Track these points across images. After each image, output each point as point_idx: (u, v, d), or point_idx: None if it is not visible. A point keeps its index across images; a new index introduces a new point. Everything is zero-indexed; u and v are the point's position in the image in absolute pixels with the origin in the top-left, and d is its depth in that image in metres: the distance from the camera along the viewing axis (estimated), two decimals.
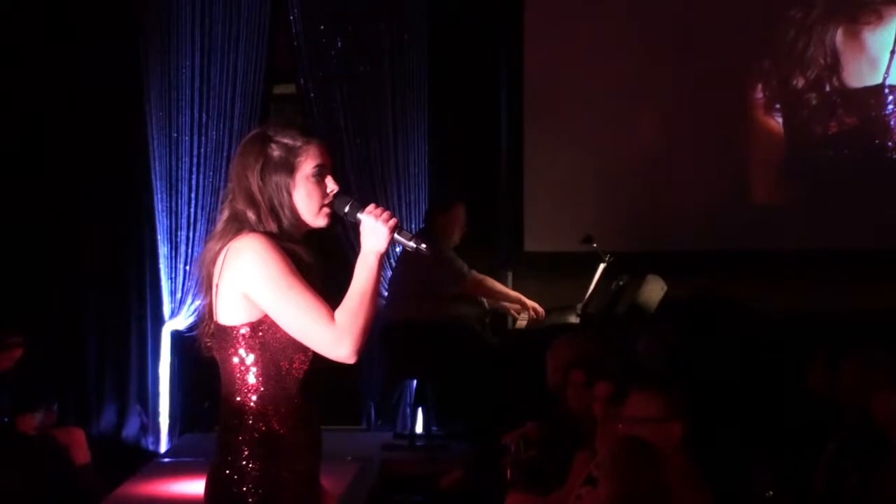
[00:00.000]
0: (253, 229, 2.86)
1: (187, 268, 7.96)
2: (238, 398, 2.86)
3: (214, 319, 2.89)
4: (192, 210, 7.98)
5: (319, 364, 2.89)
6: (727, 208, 8.18)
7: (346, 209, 2.91)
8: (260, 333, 2.84)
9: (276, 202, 2.88)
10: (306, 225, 2.92)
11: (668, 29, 8.23)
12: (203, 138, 7.98)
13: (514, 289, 7.54)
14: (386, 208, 2.89)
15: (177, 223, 7.99)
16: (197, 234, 7.96)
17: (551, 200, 8.21)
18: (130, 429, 8.09)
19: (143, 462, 7.46)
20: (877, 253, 8.01)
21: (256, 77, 8.00)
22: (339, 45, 8.01)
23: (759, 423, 4.95)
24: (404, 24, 8.03)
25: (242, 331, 2.84)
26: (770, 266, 7.78)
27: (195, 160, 7.98)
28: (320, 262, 2.92)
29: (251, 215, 2.87)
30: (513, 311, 7.41)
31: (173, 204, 7.99)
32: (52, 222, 7.98)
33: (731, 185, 8.31)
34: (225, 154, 7.95)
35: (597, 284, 7.15)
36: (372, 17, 8.01)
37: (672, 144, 8.27)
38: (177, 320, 7.98)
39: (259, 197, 2.87)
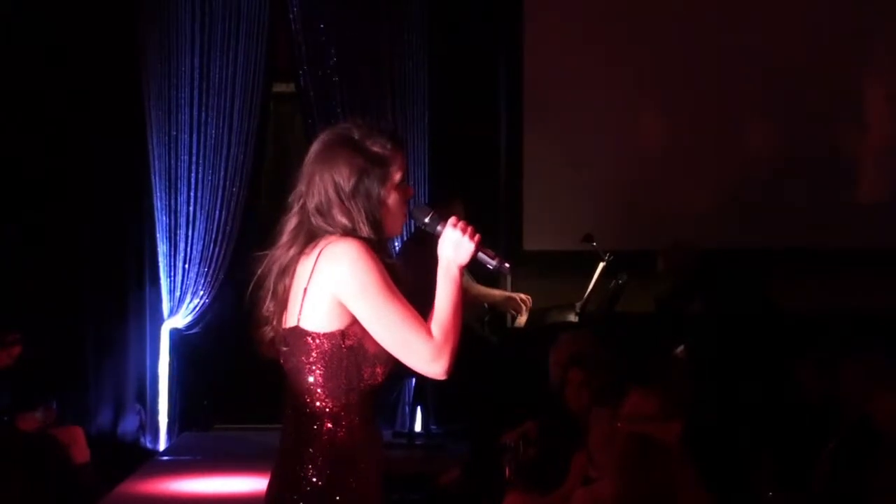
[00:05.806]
0: (344, 234, 2.75)
1: (186, 266, 7.95)
2: (318, 404, 2.75)
3: (287, 325, 2.77)
4: (191, 208, 7.97)
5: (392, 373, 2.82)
6: (726, 207, 8.18)
7: (427, 220, 2.82)
8: (348, 341, 2.73)
9: (367, 211, 2.75)
10: (387, 233, 2.83)
11: (667, 29, 8.23)
12: (202, 136, 7.98)
13: (514, 288, 7.52)
14: (468, 222, 2.78)
15: (176, 221, 7.99)
16: (196, 232, 7.96)
17: (550, 199, 8.21)
18: (129, 427, 8.09)
19: (142, 460, 7.45)
20: (877, 252, 8.02)
21: (256, 75, 8.00)
22: (339, 43, 8.00)
23: (759, 423, 4.96)
24: (404, 24, 8.03)
25: (329, 337, 2.73)
26: (768, 265, 7.76)
27: (194, 158, 7.98)
28: (403, 274, 2.82)
29: (344, 221, 2.75)
30: (512, 309, 7.40)
31: (172, 202, 7.99)
32: (50, 220, 7.97)
33: (731, 184, 8.29)
34: (224, 152, 7.95)
35: (596, 283, 7.15)
36: (372, 16, 8.01)
37: (671, 143, 8.27)
38: (175, 318, 7.98)
39: (349, 204, 2.75)
